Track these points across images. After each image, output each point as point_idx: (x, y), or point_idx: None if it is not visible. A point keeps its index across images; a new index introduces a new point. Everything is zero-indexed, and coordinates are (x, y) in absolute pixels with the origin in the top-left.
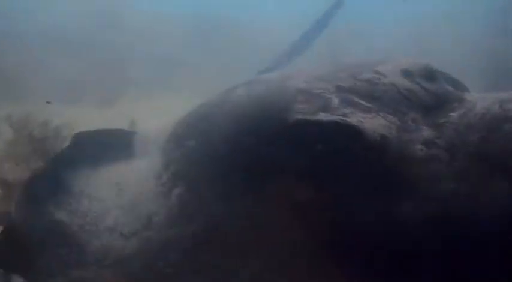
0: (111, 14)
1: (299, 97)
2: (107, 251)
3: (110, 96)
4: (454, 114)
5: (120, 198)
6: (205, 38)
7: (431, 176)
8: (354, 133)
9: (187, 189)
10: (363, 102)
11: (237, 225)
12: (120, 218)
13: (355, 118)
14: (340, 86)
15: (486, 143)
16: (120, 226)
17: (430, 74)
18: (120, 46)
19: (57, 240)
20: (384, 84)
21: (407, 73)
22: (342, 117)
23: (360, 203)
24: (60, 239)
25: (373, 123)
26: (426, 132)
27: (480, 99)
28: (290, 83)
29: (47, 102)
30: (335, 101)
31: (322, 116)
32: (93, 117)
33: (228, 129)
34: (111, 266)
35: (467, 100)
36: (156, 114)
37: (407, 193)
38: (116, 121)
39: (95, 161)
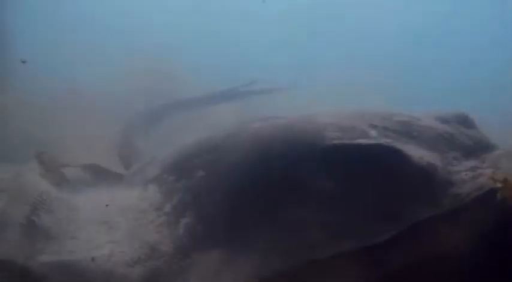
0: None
1: (330, 127)
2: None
3: None
4: (496, 152)
5: (111, 235)
6: None
7: None
8: (400, 156)
9: (198, 219)
10: (402, 138)
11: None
12: (117, 250)
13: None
14: (374, 124)
15: None
16: (117, 256)
17: (466, 121)
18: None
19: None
20: (420, 126)
21: (443, 120)
22: (385, 141)
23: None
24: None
25: (417, 151)
26: (470, 163)
27: None
28: (316, 118)
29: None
30: (372, 132)
31: (363, 141)
32: None
33: (250, 156)
34: None
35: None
36: None
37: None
38: None
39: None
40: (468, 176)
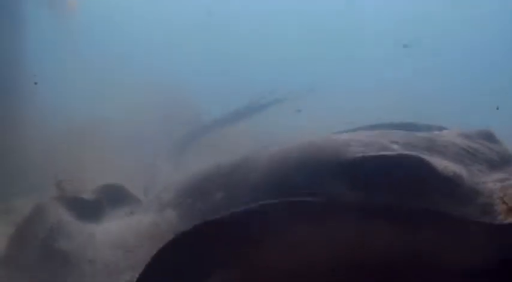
0: None
1: (352, 143)
2: None
3: None
4: None
5: (130, 260)
6: None
7: None
8: (424, 167)
9: None
10: (425, 152)
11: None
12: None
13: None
14: (395, 140)
15: None
16: None
17: (490, 137)
18: None
19: None
20: (444, 142)
21: (466, 136)
22: (408, 152)
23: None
24: None
25: (442, 162)
26: (497, 175)
27: None
28: (336, 137)
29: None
30: (394, 146)
31: (385, 153)
32: None
33: (271, 176)
34: None
35: None
36: None
37: None
38: None
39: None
40: (497, 187)
